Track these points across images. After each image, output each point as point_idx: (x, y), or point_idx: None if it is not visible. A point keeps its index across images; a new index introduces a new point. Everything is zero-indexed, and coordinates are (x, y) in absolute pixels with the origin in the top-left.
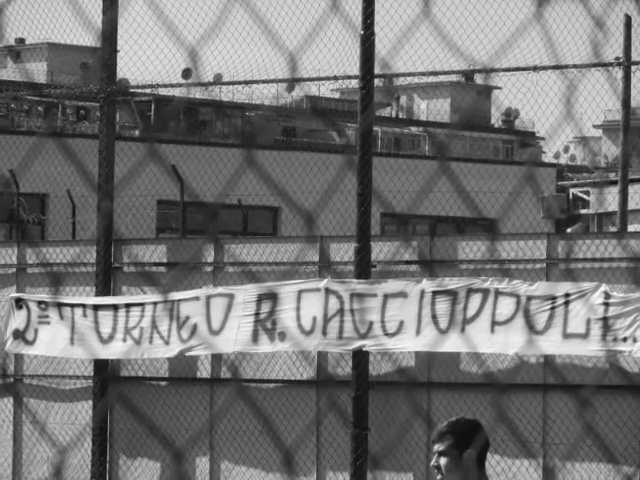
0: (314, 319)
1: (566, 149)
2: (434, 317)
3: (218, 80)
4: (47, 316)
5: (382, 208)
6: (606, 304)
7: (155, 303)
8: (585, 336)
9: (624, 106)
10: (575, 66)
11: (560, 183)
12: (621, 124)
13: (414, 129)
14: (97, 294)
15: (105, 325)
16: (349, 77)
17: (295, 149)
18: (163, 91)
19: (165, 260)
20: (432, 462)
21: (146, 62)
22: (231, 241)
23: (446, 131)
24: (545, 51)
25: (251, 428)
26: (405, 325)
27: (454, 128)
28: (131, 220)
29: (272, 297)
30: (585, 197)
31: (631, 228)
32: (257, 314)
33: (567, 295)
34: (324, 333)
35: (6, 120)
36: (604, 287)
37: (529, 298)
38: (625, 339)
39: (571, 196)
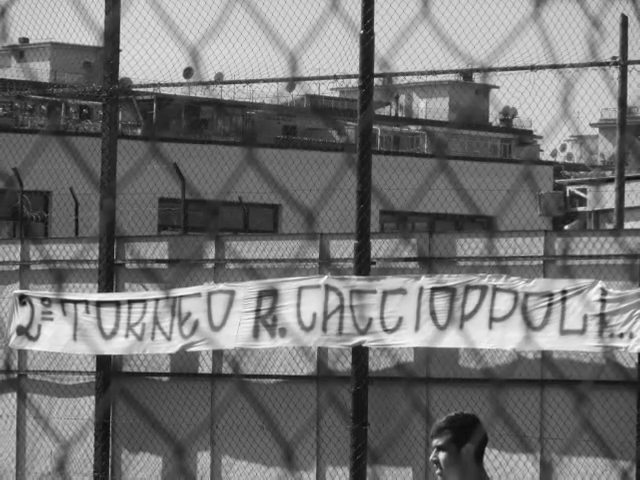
0: (314, 315)
1: (563, 147)
2: (433, 313)
3: (219, 79)
4: (50, 312)
5: (381, 205)
6: (603, 300)
7: (157, 299)
8: (582, 332)
9: (620, 105)
10: (572, 65)
11: (557, 181)
12: (617, 122)
13: (413, 127)
14: (100, 291)
15: (107, 321)
16: (349, 76)
17: (295, 147)
18: (165, 90)
19: (167, 257)
20: (431, 457)
21: (148, 61)
22: (232, 238)
23: (445, 129)
24: (542, 50)
25: (252, 423)
26: (404, 321)
27: (453, 127)
28: (133, 217)
29: (273, 294)
30: (582, 195)
31: (627, 225)
32: (258, 310)
33: (564, 292)
34: (324, 329)
35: (10, 119)
36: (601, 284)
37: (526, 295)
38: (622, 335)
39: (568, 194)
